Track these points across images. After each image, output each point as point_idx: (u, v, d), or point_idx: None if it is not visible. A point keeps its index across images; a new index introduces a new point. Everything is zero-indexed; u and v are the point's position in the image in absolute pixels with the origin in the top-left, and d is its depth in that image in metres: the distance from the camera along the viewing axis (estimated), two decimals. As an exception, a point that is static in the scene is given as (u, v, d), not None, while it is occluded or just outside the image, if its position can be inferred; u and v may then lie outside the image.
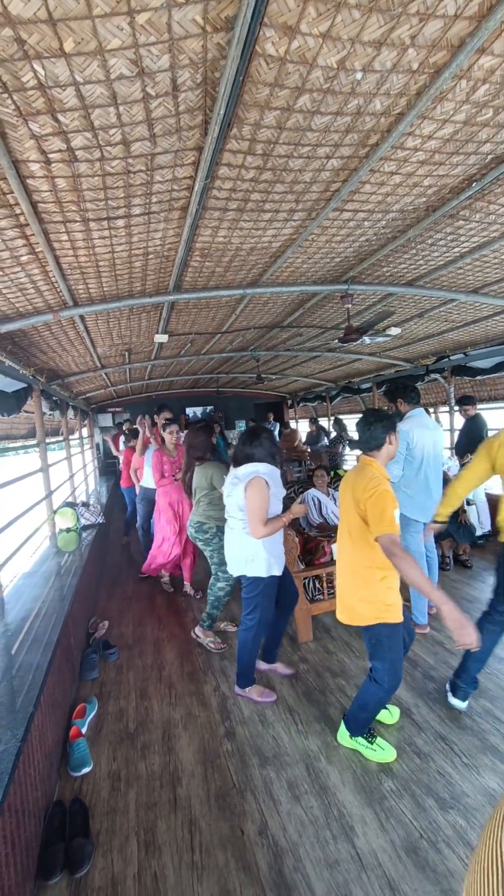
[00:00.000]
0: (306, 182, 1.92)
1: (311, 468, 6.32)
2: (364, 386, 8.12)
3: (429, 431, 2.99)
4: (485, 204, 2.26)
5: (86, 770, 2.08)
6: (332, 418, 9.38)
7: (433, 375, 6.05)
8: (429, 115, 1.56)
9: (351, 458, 8.68)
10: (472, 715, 2.28)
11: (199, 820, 1.81)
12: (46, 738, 1.95)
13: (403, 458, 2.93)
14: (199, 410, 10.85)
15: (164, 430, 4.13)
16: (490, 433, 4.75)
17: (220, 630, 3.36)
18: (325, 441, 9.19)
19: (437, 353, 5.85)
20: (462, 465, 4.20)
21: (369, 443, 2.01)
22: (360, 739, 2.09)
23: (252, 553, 2.39)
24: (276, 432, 10.50)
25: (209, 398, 10.70)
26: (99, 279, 2.64)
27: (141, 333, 4.27)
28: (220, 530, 3.00)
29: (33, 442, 4.48)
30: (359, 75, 1.33)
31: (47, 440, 4.59)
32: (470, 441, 4.56)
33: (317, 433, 9.45)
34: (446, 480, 3.94)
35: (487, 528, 4.29)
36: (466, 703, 2.31)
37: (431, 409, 6.20)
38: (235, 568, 2.50)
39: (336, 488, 4.72)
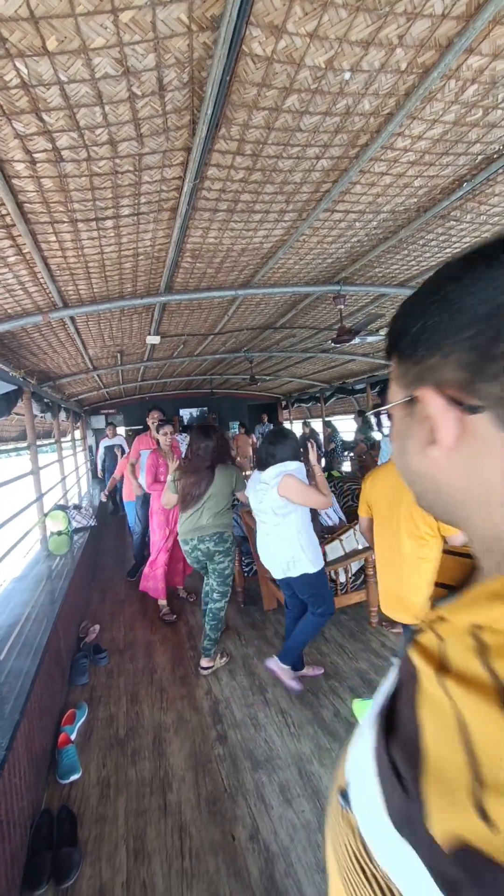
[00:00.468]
0: (296, 182, 1.92)
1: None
2: (358, 386, 8.14)
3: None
4: (476, 204, 2.26)
5: (74, 777, 2.06)
6: (322, 421, 9.44)
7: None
8: (418, 115, 1.55)
9: (345, 459, 8.69)
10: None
11: (190, 826, 1.79)
12: (34, 745, 1.92)
13: (396, 460, 2.93)
14: (193, 412, 10.82)
15: (157, 432, 3.92)
16: None
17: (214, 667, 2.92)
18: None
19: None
20: None
21: None
22: None
23: (293, 554, 2.40)
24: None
25: (203, 399, 10.67)
26: (89, 280, 2.62)
27: (133, 335, 4.25)
28: (233, 538, 2.92)
29: (24, 444, 4.43)
30: (347, 75, 1.32)
31: (39, 442, 4.55)
32: None
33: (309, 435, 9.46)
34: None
35: None
36: None
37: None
38: (279, 571, 2.47)
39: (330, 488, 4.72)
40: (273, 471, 2.36)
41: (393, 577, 1.97)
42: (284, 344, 5.62)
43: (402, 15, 1.15)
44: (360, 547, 3.42)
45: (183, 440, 5.15)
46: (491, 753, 0.29)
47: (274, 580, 2.80)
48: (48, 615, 2.62)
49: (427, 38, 1.23)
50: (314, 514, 4.13)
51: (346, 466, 8.31)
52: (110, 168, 1.59)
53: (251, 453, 8.89)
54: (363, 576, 3.29)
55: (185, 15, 1.07)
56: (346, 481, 5.13)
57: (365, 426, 7.87)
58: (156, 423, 4.41)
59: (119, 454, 5.94)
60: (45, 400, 4.63)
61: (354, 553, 3.32)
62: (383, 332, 4.34)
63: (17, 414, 4.68)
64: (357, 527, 3.60)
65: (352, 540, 3.45)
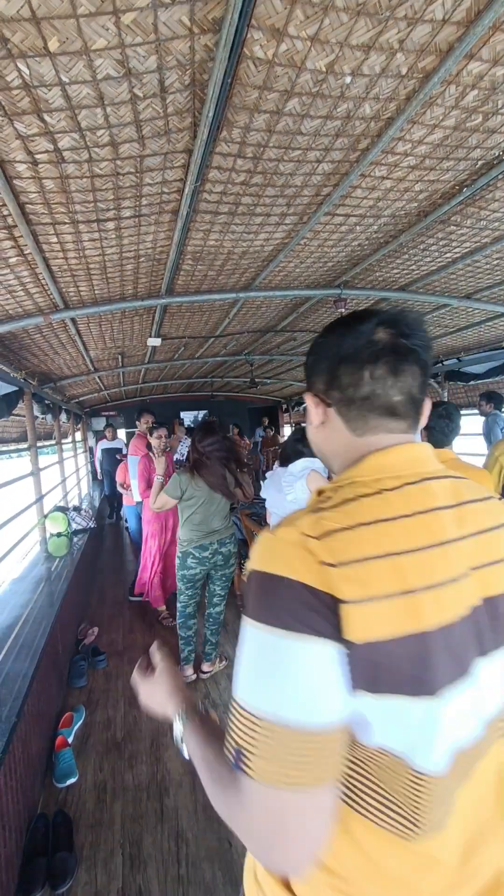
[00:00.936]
0: (297, 186, 1.92)
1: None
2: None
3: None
4: (476, 209, 2.27)
5: (71, 781, 2.04)
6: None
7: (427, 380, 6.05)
8: (418, 119, 1.56)
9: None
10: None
11: (187, 832, 1.78)
12: (30, 748, 1.90)
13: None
14: (193, 415, 10.82)
15: (150, 435, 3.73)
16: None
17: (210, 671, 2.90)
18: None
19: (431, 359, 5.88)
20: None
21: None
22: None
23: None
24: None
25: (203, 402, 10.68)
26: (90, 282, 2.62)
27: (134, 337, 4.25)
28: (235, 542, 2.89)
29: (24, 446, 4.43)
30: (348, 79, 1.33)
31: (40, 444, 4.55)
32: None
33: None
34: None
35: None
36: None
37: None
38: None
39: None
40: (301, 464, 2.43)
41: None
42: (285, 347, 5.63)
43: (402, 20, 1.16)
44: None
45: (184, 443, 5.10)
46: None
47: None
48: (47, 617, 2.61)
49: (427, 43, 1.24)
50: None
51: None
52: (111, 170, 1.60)
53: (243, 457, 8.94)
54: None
55: (187, 17, 1.07)
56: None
57: None
58: (148, 426, 4.33)
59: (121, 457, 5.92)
60: (46, 401, 4.63)
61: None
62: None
63: (17, 415, 4.69)
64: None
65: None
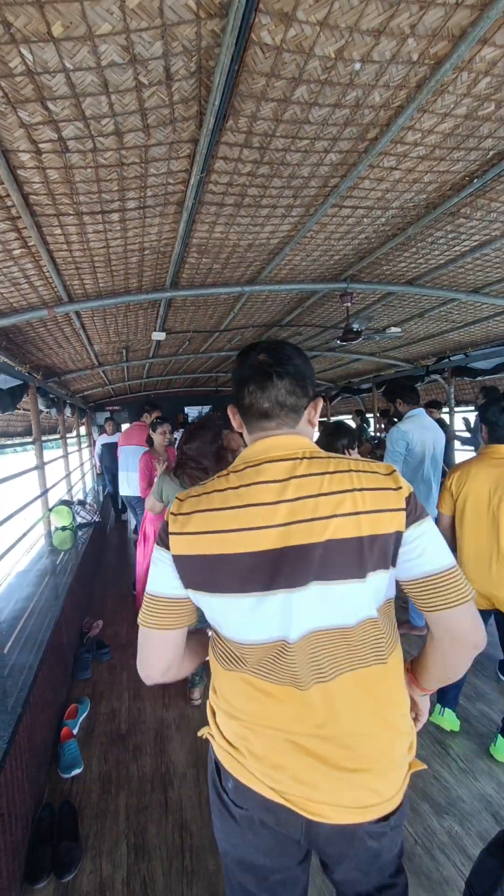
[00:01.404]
0: (304, 177, 1.89)
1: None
2: (364, 386, 8.10)
3: (428, 432, 2.97)
4: (486, 201, 2.23)
5: (76, 772, 2.06)
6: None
7: (433, 376, 6.02)
8: (429, 108, 1.52)
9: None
10: (469, 719, 2.26)
11: (191, 824, 1.79)
12: (36, 739, 1.92)
13: (402, 459, 2.90)
14: (198, 410, 10.80)
15: (153, 430, 3.57)
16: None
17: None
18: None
19: (437, 354, 5.82)
20: None
21: None
22: None
23: None
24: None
25: (208, 397, 10.66)
26: (94, 275, 2.61)
27: (138, 331, 4.24)
28: None
29: (29, 440, 4.44)
30: (357, 66, 1.30)
31: (44, 438, 4.57)
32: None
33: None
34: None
35: None
36: None
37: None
38: None
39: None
40: None
41: (483, 572, 1.96)
42: (290, 342, 5.60)
43: (414, 3, 1.13)
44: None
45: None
46: None
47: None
48: (52, 610, 2.62)
49: (440, 28, 1.21)
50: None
51: None
52: (116, 160, 1.58)
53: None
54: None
55: (193, 1, 1.05)
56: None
57: (363, 426, 7.93)
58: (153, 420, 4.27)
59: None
60: (51, 395, 4.64)
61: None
62: (392, 330, 4.32)
63: (22, 409, 4.70)
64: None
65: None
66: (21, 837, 1.62)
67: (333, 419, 7.11)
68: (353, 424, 8.05)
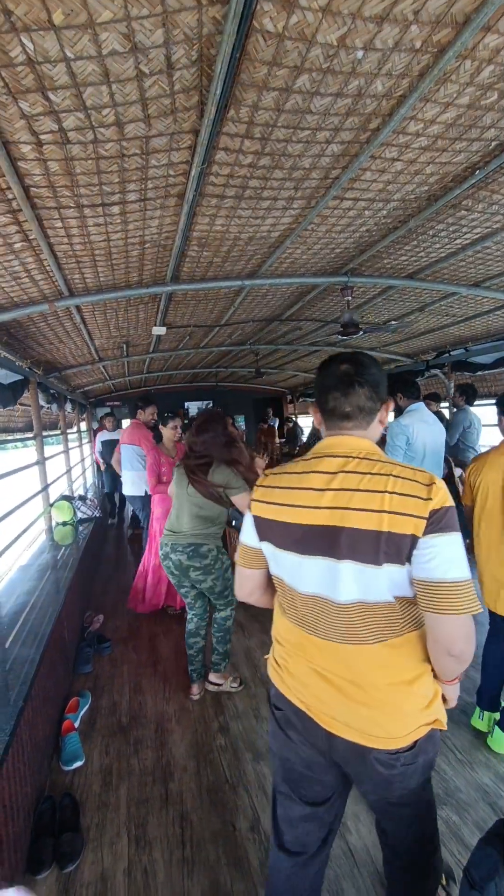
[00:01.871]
0: (305, 168, 1.88)
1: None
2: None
3: (428, 426, 2.96)
4: (488, 193, 2.21)
5: (78, 764, 2.07)
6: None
7: (433, 371, 6.01)
8: (432, 97, 1.51)
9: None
10: (467, 710, 2.26)
11: (191, 815, 1.80)
12: (37, 732, 1.93)
13: (403, 453, 2.90)
14: (198, 405, 10.80)
15: (164, 426, 3.51)
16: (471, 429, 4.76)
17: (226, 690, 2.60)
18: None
19: (438, 349, 5.81)
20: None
21: None
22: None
23: None
24: (276, 427, 10.47)
25: (208, 392, 10.65)
26: (95, 268, 2.60)
27: (139, 325, 4.23)
28: (219, 551, 2.45)
29: (30, 435, 4.44)
30: (359, 54, 1.29)
31: (45, 433, 4.56)
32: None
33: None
34: (449, 476, 3.92)
35: None
36: None
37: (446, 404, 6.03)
38: None
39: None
40: None
41: (497, 560, 1.95)
42: (290, 336, 5.59)
43: (418, -11, 1.12)
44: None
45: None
46: None
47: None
48: (53, 604, 2.63)
49: (443, 14, 1.19)
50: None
51: None
52: (117, 151, 1.57)
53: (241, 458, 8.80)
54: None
55: (195, -12, 1.04)
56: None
57: None
58: (153, 418, 4.18)
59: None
60: (52, 391, 4.63)
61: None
62: (392, 324, 4.30)
63: (23, 405, 4.69)
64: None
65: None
66: (23, 829, 1.63)
67: None
68: None
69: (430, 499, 0.88)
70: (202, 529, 2.41)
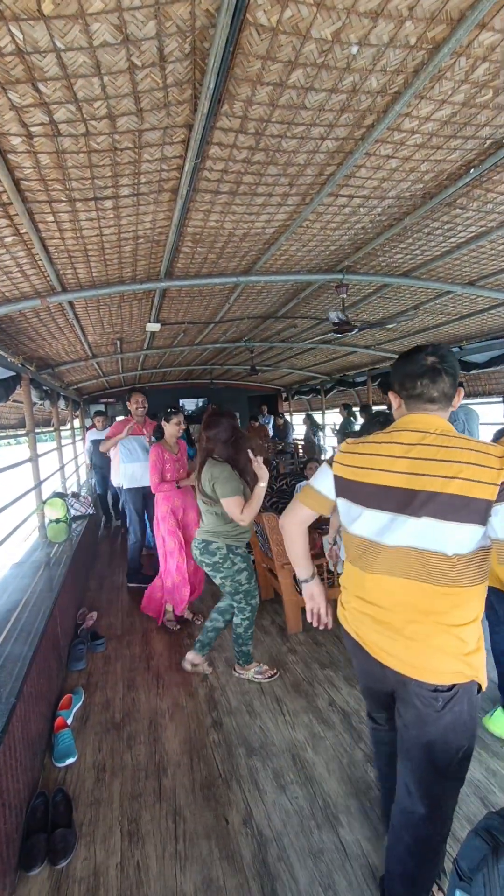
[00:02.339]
0: (300, 164, 1.87)
1: (303, 460, 6.31)
2: (359, 379, 8.09)
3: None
4: (482, 192, 2.22)
5: (70, 761, 2.07)
6: (305, 414, 9.74)
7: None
8: (426, 94, 1.51)
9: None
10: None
11: (184, 810, 1.80)
12: (30, 728, 1.92)
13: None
14: (193, 402, 10.78)
15: (167, 421, 3.30)
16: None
17: (251, 678, 2.65)
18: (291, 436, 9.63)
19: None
20: None
21: None
22: None
23: None
24: (270, 425, 10.48)
25: (203, 390, 10.63)
26: (87, 264, 2.58)
27: (132, 322, 4.20)
28: (232, 551, 2.45)
29: (23, 432, 4.40)
30: (354, 49, 1.28)
31: (38, 430, 4.53)
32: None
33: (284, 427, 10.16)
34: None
35: None
36: None
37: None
38: None
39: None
40: None
41: None
42: (285, 334, 5.58)
43: (412, -16, 1.11)
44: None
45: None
46: None
47: (272, 571, 2.78)
48: (46, 601, 2.62)
49: (438, 11, 1.19)
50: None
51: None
52: (109, 144, 1.55)
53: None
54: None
55: (187, -21, 1.02)
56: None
57: (349, 419, 7.99)
58: (139, 409, 4.01)
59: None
60: (44, 387, 4.60)
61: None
62: (389, 326, 4.30)
63: (15, 401, 4.65)
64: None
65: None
66: (15, 826, 1.63)
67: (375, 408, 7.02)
68: (340, 418, 8.12)
69: (503, 469, 1.03)
70: (213, 526, 2.46)
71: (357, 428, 7.83)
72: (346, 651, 2.46)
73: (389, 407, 3.28)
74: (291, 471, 6.80)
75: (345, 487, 1.29)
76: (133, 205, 2.01)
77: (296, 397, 11.22)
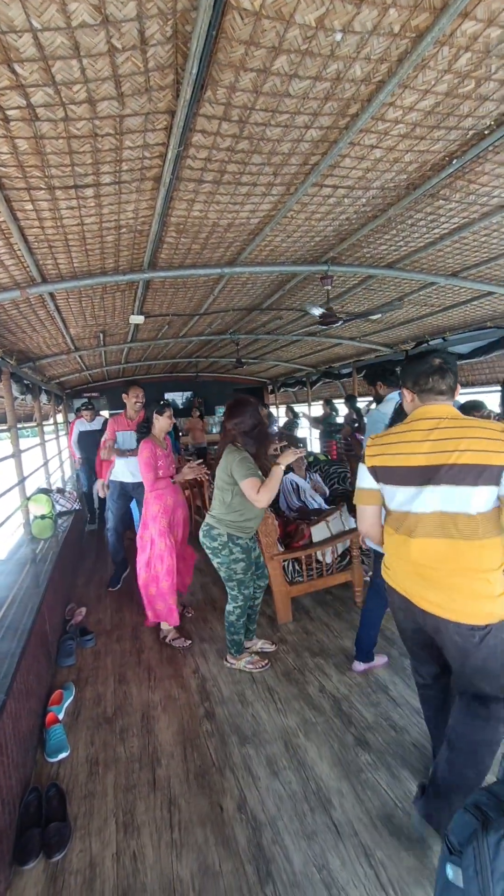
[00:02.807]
0: (284, 153, 1.86)
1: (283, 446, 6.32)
2: (344, 371, 8.14)
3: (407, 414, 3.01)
4: (465, 183, 2.23)
5: (63, 755, 2.07)
6: (285, 406, 9.82)
7: (412, 360, 6.08)
8: (410, 84, 1.51)
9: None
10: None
11: (179, 799, 1.82)
12: (20, 725, 1.91)
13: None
14: (180, 396, 10.69)
15: (160, 414, 3.11)
16: None
17: (258, 651, 2.81)
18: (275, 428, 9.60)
19: (417, 338, 5.88)
20: None
21: None
22: None
23: None
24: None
25: (188, 383, 10.54)
26: (68, 254, 2.52)
27: (115, 314, 4.14)
28: (232, 541, 2.48)
29: (4, 427, 4.31)
30: (338, 36, 1.27)
31: (20, 425, 4.43)
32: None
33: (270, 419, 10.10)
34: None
35: None
36: None
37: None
38: None
39: (317, 471, 4.75)
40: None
41: None
42: (271, 326, 5.56)
43: (396, -30, 1.10)
44: (346, 528, 3.46)
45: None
46: None
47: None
48: (33, 598, 2.59)
49: (421, -2, 1.19)
50: (298, 497, 4.16)
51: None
52: (89, 130, 1.51)
53: (204, 440, 8.60)
54: (348, 557, 3.34)
55: (169, -41, 1.00)
56: (332, 465, 5.16)
57: (331, 413, 8.05)
58: (137, 403, 3.90)
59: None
60: (25, 381, 4.50)
61: (341, 534, 3.36)
62: (374, 318, 4.33)
63: (-4, 396, 4.54)
64: (344, 509, 3.64)
65: (338, 522, 3.48)
66: (9, 822, 1.63)
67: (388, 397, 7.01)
68: (321, 412, 8.17)
69: None
70: (219, 513, 2.52)
71: (339, 420, 7.99)
72: (336, 638, 2.54)
73: (375, 397, 3.30)
74: (272, 458, 6.81)
75: (381, 474, 1.57)
76: (115, 193, 1.97)
77: (282, 390, 11.22)
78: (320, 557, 3.24)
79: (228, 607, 2.62)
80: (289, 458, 2.36)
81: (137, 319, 4.11)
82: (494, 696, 1.45)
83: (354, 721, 2.17)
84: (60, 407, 7.94)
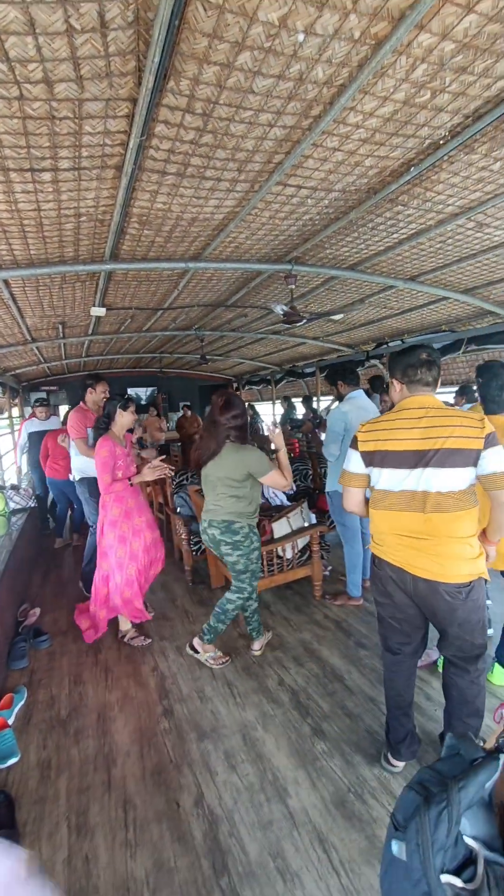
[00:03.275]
0: (248, 150, 1.86)
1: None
2: (308, 370, 8.26)
3: (367, 413, 3.09)
4: (422, 190, 2.32)
5: (12, 761, 1.99)
6: (247, 403, 9.79)
7: (373, 361, 6.27)
8: (370, 90, 1.55)
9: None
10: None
11: (134, 798, 1.80)
12: (-33, 731, 1.82)
13: (341, 439, 3.01)
14: (144, 391, 10.49)
15: (124, 409, 2.90)
16: None
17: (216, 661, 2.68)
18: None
19: (377, 340, 6.06)
20: None
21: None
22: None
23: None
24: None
25: (152, 379, 10.36)
26: (24, 240, 2.42)
27: (76, 305, 4.00)
28: (252, 531, 2.54)
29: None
30: (301, 37, 1.29)
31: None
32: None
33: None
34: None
35: None
36: None
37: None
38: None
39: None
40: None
41: None
42: (236, 323, 5.56)
43: (356, -22, 1.13)
44: (307, 524, 3.52)
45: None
46: None
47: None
48: (-18, 599, 2.47)
49: (380, 7, 1.22)
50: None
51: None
52: (46, 112, 1.46)
53: (162, 438, 8.39)
54: (308, 552, 3.40)
55: None
56: (294, 462, 5.23)
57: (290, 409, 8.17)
58: (104, 399, 3.52)
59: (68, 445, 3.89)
60: (-23, 372, 4.27)
61: (301, 530, 3.41)
62: (336, 317, 4.41)
63: None
64: (304, 505, 3.70)
65: (298, 518, 3.54)
66: (-48, 831, 1.55)
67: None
68: (281, 409, 8.33)
69: (483, 428, 1.51)
70: (236, 508, 2.51)
71: (298, 416, 8.22)
72: (295, 632, 2.56)
73: (336, 395, 3.37)
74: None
75: (375, 458, 1.69)
76: (74, 179, 1.91)
77: (247, 387, 11.25)
78: (281, 553, 3.28)
79: (231, 596, 2.60)
80: (281, 441, 2.49)
81: (99, 312, 4.00)
82: (474, 656, 1.67)
83: (311, 711, 2.22)
84: (16, 400, 7.60)
